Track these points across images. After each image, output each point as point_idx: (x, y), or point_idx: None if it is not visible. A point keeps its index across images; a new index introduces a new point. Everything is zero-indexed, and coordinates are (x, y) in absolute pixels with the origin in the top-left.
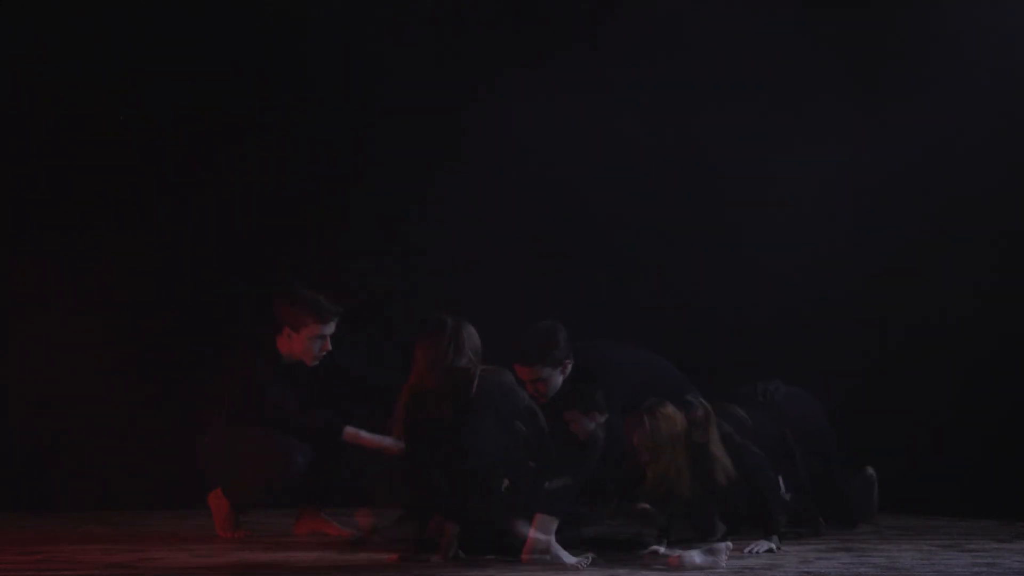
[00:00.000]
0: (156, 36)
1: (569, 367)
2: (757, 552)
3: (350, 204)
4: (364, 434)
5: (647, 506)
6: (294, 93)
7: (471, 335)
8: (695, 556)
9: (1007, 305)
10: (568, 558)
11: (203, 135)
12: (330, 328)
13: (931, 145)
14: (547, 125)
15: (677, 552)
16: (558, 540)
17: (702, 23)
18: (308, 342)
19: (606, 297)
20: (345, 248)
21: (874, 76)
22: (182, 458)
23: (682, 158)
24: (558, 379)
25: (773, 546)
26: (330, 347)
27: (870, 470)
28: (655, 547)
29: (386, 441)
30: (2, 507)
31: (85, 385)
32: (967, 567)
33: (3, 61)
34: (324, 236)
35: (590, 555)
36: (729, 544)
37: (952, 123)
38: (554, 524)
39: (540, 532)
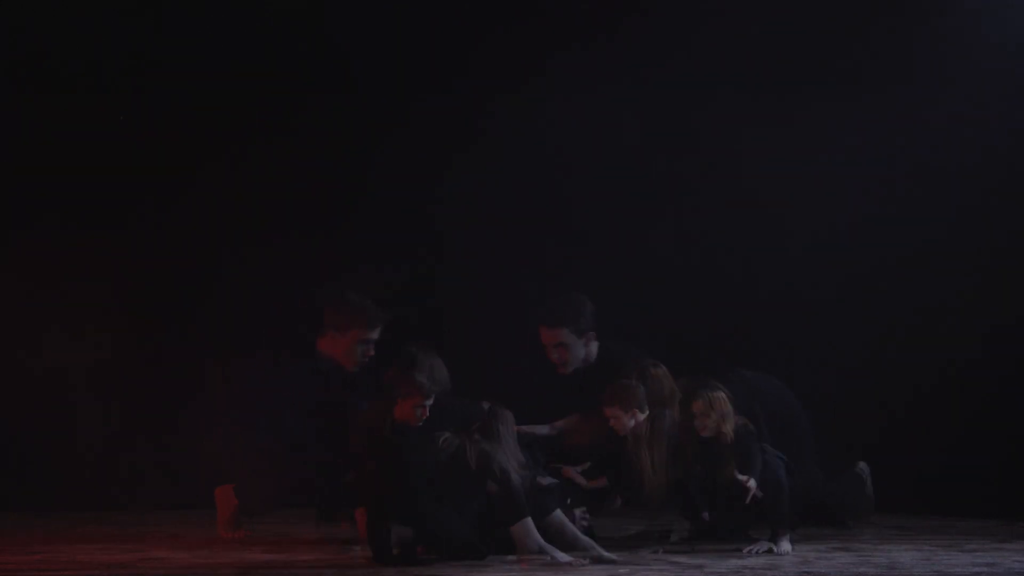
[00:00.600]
0: (167, 34)
1: (593, 343)
2: (757, 552)
3: (358, 206)
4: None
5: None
6: (302, 97)
7: (434, 367)
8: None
9: (1010, 305)
10: (563, 556)
11: (207, 135)
12: (375, 334)
13: (941, 140)
14: (556, 122)
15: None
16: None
17: (707, 22)
18: (352, 346)
19: (613, 295)
20: (353, 250)
21: (892, 72)
22: (182, 458)
23: (687, 158)
24: (580, 350)
25: (773, 547)
26: (372, 353)
27: (861, 465)
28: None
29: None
30: (2, 507)
31: (85, 386)
32: (967, 567)
33: (14, 58)
34: (331, 238)
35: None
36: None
37: (966, 116)
38: (530, 524)
39: (525, 539)
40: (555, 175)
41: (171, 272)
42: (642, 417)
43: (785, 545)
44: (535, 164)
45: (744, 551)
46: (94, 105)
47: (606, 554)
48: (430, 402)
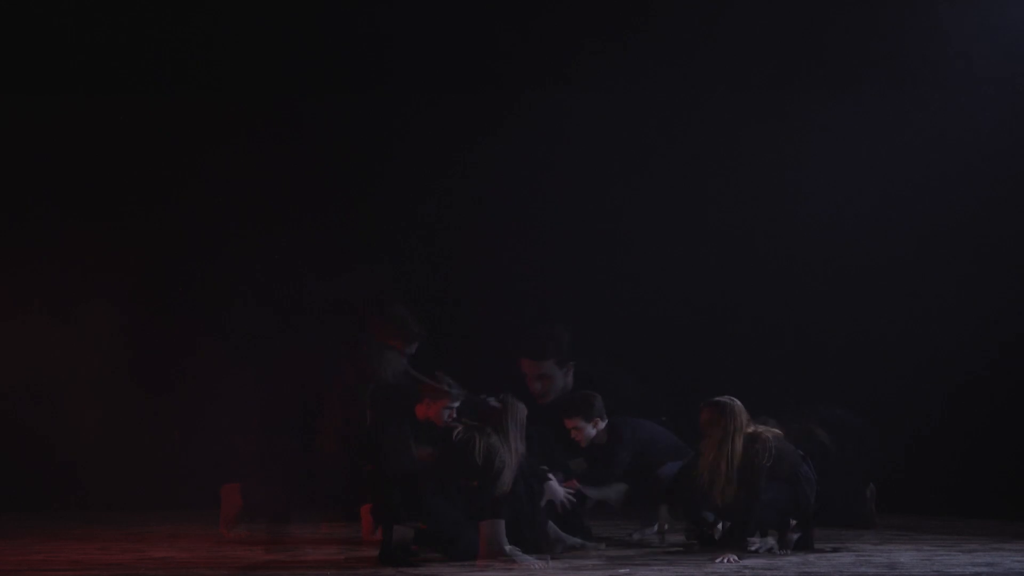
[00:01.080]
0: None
1: (570, 372)
2: (760, 550)
3: (366, 201)
4: None
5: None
6: (306, 96)
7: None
8: None
9: (1012, 308)
10: (523, 558)
11: (212, 133)
12: (411, 349)
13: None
14: (566, 129)
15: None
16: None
17: (719, 22)
18: None
19: (622, 308)
20: (355, 248)
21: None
22: (182, 458)
23: (702, 163)
24: (561, 380)
25: (775, 546)
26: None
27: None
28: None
29: None
30: (2, 507)
31: (86, 386)
32: (967, 567)
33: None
34: (334, 237)
35: (548, 556)
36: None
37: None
38: (501, 527)
39: (491, 537)
40: (574, 185)
41: (176, 270)
42: (603, 426)
43: (789, 538)
44: (540, 167)
45: (751, 543)
46: (96, 103)
47: (590, 543)
48: (457, 405)
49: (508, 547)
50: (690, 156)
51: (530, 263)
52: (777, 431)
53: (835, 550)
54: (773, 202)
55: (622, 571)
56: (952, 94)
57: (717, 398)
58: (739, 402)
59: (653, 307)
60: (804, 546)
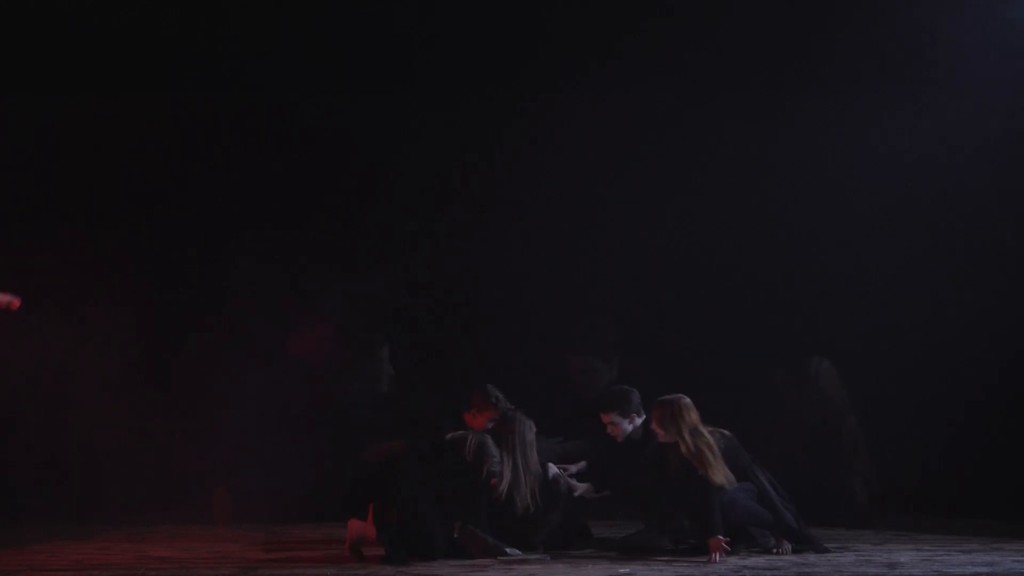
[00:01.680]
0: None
1: (616, 367)
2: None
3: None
4: None
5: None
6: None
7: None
8: None
9: (1013, 308)
10: (518, 555)
11: (216, 133)
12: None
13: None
14: (565, 133)
15: None
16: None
17: (718, 24)
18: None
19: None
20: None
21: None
22: (182, 459)
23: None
24: (605, 374)
25: (776, 548)
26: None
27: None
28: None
29: None
30: (3, 508)
31: (86, 388)
32: (967, 567)
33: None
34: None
35: (547, 556)
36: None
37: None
38: (479, 527)
39: (486, 537)
40: (577, 194)
41: (175, 273)
42: (639, 422)
43: (786, 545)
44: (538, 169)
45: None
46: (104, 105)
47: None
48: (499, 416)
49: (508, 548)
50: (691, 157)
51: (530, 261)
52: (726, 431)
53: (841, 550)
54: (773, 202)
55: (622, 571)
56: (951, 94)
57: (666, 396)
58: (688, 399)
59: (654, 307)
60: (807, 547)
